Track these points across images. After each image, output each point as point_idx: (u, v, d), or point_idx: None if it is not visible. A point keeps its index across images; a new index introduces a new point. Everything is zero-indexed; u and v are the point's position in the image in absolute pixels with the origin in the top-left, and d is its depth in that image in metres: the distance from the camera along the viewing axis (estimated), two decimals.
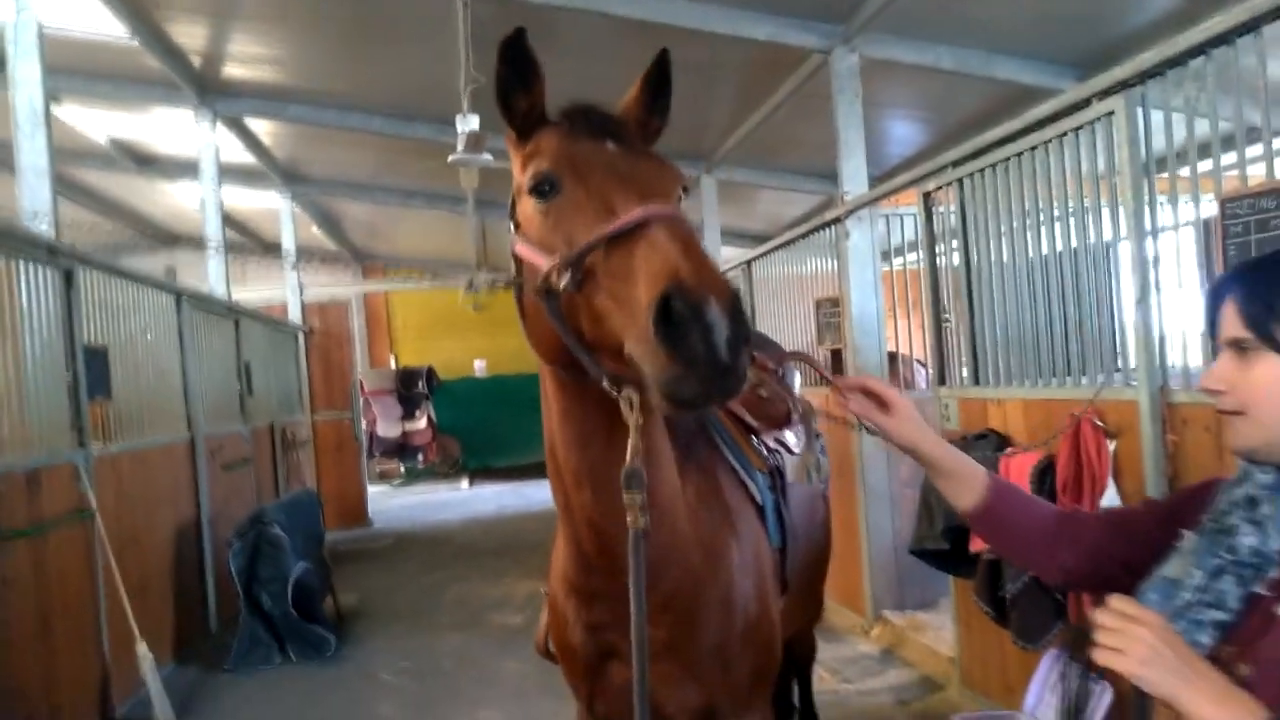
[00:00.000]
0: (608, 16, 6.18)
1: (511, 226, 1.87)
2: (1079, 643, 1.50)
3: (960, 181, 4.56)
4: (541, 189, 1.73)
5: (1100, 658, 1.32)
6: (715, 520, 2.25)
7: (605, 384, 1.65)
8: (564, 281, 1.60)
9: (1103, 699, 1.63)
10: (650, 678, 2.06)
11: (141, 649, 5.00)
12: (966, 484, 1.82)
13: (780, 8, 6.21)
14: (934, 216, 4.94)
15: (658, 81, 1.99)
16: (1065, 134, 3.81)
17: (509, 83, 1.84)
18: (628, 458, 1.64)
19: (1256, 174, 3.11)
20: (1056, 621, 3.78)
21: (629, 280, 1.50)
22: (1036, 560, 1.80)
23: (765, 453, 2.70)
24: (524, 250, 1.77)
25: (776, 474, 2.66)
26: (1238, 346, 1.43)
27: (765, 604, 2.33)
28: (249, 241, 15.82)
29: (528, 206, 1.78)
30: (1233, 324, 1.43)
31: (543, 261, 1.67)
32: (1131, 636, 1.28)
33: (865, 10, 5.96)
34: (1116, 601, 1.35)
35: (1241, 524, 1.39)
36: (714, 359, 1.37)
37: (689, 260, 1.43)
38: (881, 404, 1.86)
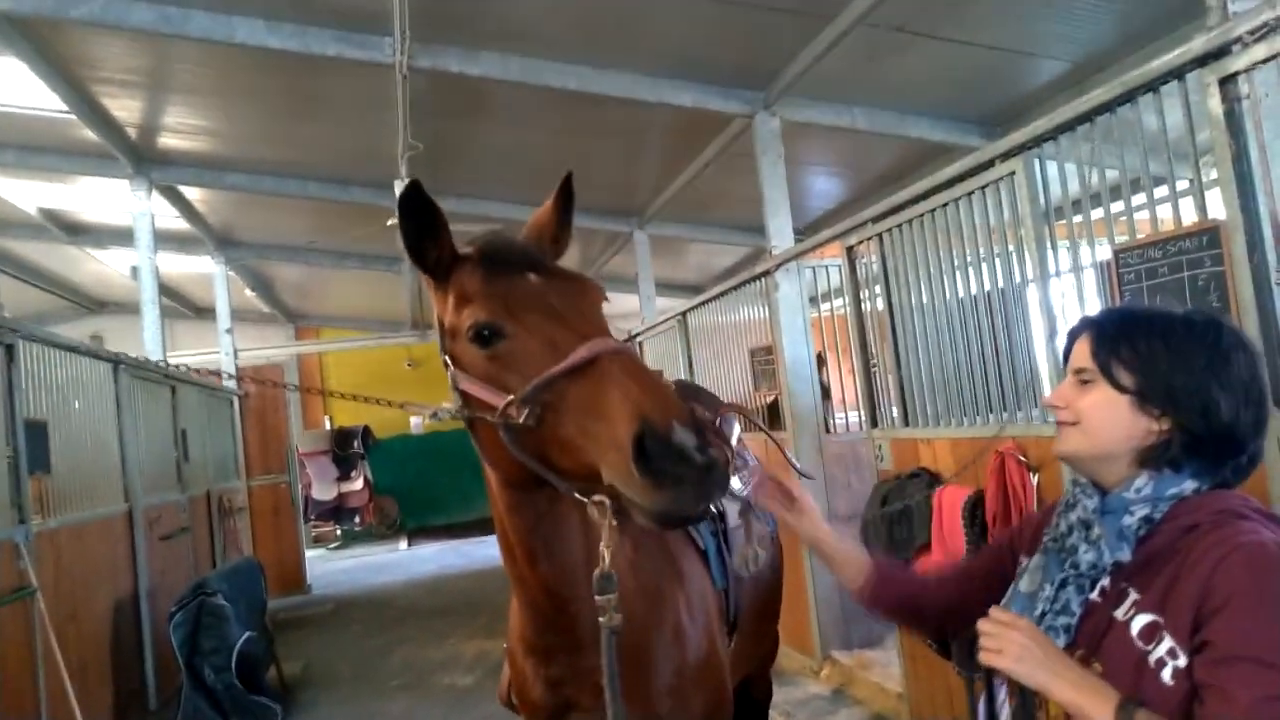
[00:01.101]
0: (542, 88, 6.39)
1: (447, 361, 1.96)
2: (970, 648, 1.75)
3: (880, 236, 4.83)
4: (482, 336, 1.84)
5: (983, 658, 1.60)
6: (658, 566, 2.36)
7: (576, 495, 1.80)
8: (523, 417, 1.75)
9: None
10: None
11: None
12: (852, 571, 2.11)
13: (703, 76, 6.51)
14: (857, 267, 5.20)
15: (565, 200, 2.12)
16: (973, 191, 4.11)
17: (416, 235, 1.93)
18: (605, 560, 1.81)
19: (1145, 218, 3.41)
20: None
21: (596, 417, 1.67)
22: (924, 626, 2.13)
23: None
24: (472, 389, 1.88)
25: (717, 518, 2.80)
26: (1080, 376, 1.70)
27: (713, 644, 2.44)
28: (178, 305, 15.64)
29: (469, 351, 1.88)
30: (1081, 357, 1.71)
31: (497, 400, 1.81)
32: (1007, 639, 1.57)
33: (784, 78, 6.29)
34: (995, 611, 1.64)
35: (1081, 544, 1.65)
36: (695, 472, 1.57)
37: (646, 393, 1.62)
38: (788, 498, 2.18)
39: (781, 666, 6.13)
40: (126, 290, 11.92)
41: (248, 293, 14.44)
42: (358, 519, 16.54)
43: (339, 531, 16.94)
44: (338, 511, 16.29)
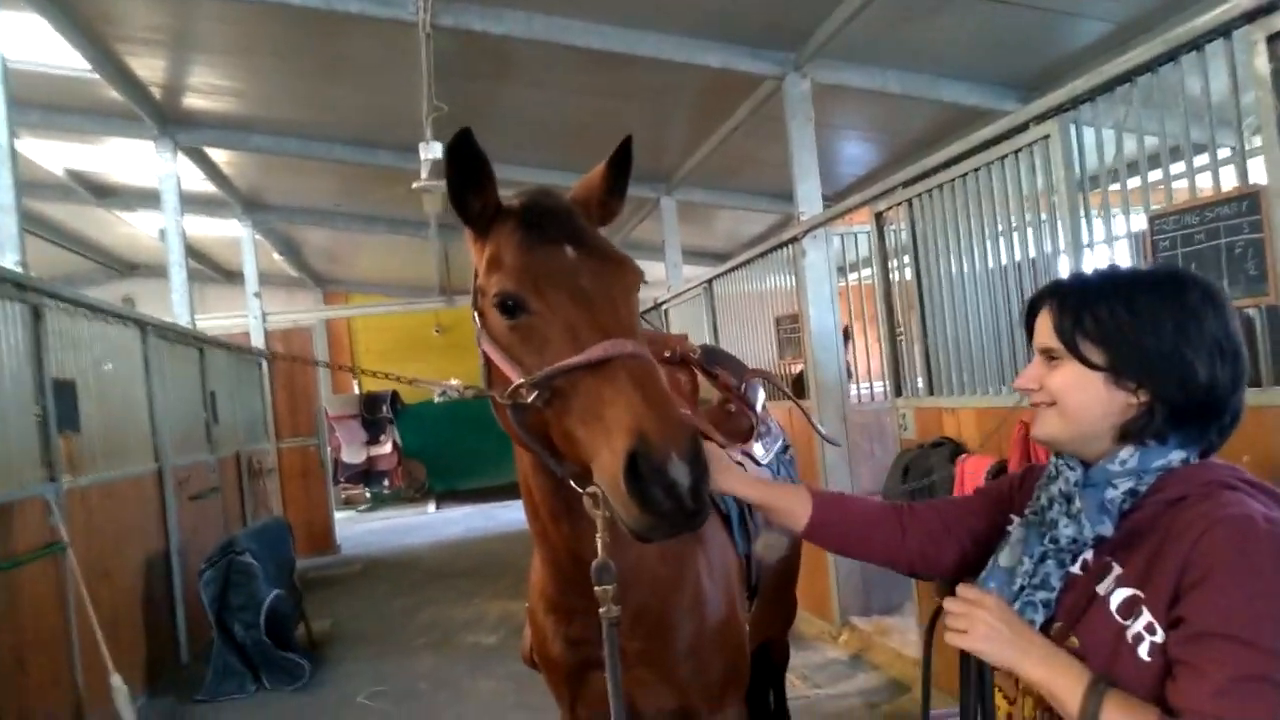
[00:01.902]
0: (566, 47, 6.32)
1: (476, 317, 1.94)
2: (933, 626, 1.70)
3: (910, 201, 4.75)
4: (506, 307, 1.82)
5: (949, 639, 1.54)
6: None
7: (571, 483, 1.81)
8: (531, 398, 1.76)
9: None
10: (626, 683, 2.18)
11: (116, 681, 5.01)
12: (797, 511, 1.92)
13: (733, 36, 6.40)
14: (885, 234, 5.13)
15: (621, 167, 2.04)
16: (1006, 155, 4.02)
17: (461, 185, 1.90)
18: (597, 550, 1.81)
19: (1183, 187, 3.31)
20: None
21: (597, 420, 1.66)
22: (887, 552, 1.92)
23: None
24: (492, 353, 1.88)
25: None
26: (1047, 355, 1.62)
27: (733, 608, 2.45)
28: (208, 269, 15.76)
29: (494, 318, 1.86)
30: (1045, 334, 1.62)
31: (511, 371, 1.81)
32: (973, 618, 1.52)
33: (816, 38, 6.17)
34: (962, 589, 1.57)
35: (1061, 518, 1.58)
36: (680, 508, 1.57)
37: (652, 410, 1.61)
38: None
39: (801, 631, 6.16)
40: (156, 253, 12.00)
41: (276, 256, 14.53)
42: (386, 482, 16.74)
43: (368, 494, 17.14)
44: (367, 474, 16.49)
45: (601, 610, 1.84)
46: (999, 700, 1.70)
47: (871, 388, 6.71)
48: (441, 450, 16.68)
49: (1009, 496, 1.85)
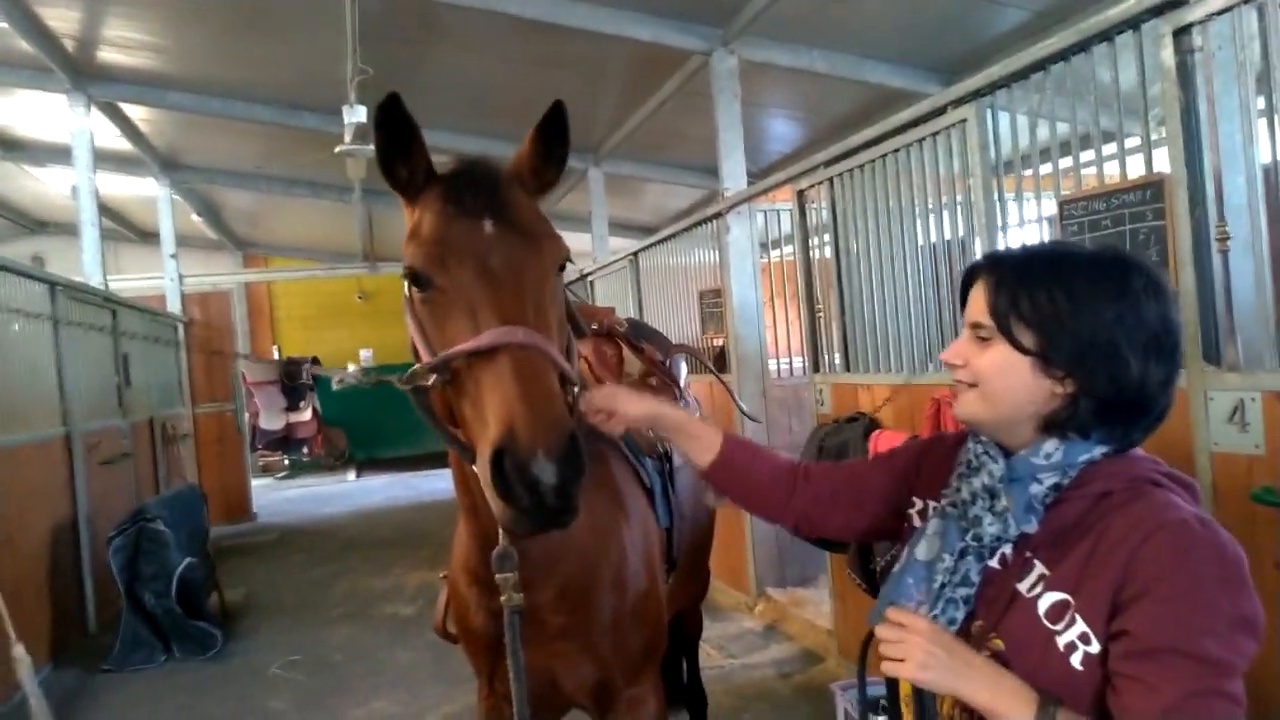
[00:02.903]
0: (496, 14, 6.25)
1: (406, 285, 1.88)
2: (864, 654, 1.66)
3: (831, 180, 4.83)
4: (416, 279, 1.81)
5: (885, 668, 1.47)
6: (606, 503, 2.36)
7: (471, 466, 1.79)
8: (431, 380, 1.78)
9: None
10: (547, 658, 2.23)
11: (18, 651, 4.84)
12: (705, 443, 1.95)
13: (662, 10, 6.40)
14: (807, 212, 5.20)
15: (552, 133, 1.96)
16: (924, 138, 4.10)
17: (389, 152, 1.86)
18: (499, 539, 1.84)
19: (1092, 173, 3.44)
20: None
21: (478, 409, 1.67)
22: (772, 507, 1.94)
23: (654, 438, 2.87)
24: (409, 324, 1.88)
25: (664, 458, 2.82)
26: (976, 330, 1.54)
27: (654, 581, 2.47)
28: (122, 229, 15.25)
29: (409, 289, 1.85)
30: (978, 309, 1.54)
31: (420, 348, 1.83)
32: (909, 645, 1.43)
33: (743, 15, 6.19)
34: (892, 612, 1.49)
35: (985, 514, 1.51)
36: (540, 506, 1.56)
37: (525, 405, 1.58)
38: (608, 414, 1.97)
39: (717, 602, 6.27)
40: (67, 211, 11.58)
41: (194, 218, 14.11)
42: (305, 450, 16.45)
43: (287, 461, 16.87)
44: (286, 442, 16.17)
45: (503, 598, 1.87)
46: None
47: (791, 363, 6.82)
48: (362, 418, 16.49)
49: (912, 466, 1.81)
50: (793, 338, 6.55)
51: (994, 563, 1.54)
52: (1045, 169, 3.61)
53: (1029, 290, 1.47)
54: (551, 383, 1.67)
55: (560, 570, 2.15)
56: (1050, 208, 3.61)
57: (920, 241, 4.28)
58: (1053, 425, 1.49)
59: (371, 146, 6.64)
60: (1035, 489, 1.48)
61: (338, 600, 7.46)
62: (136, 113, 9.84)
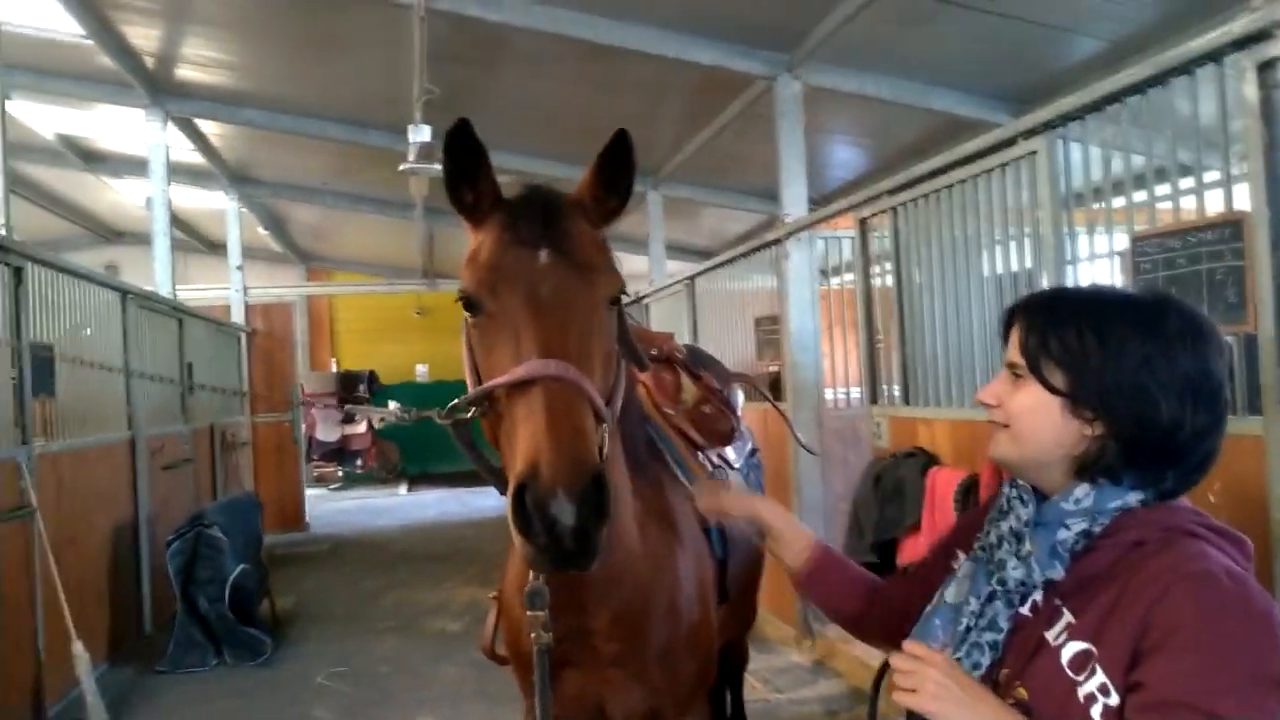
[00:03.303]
0: (561, 37, 6.31)
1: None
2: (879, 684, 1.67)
3: (895, 209, 4.78)
4: (468, 304, 1.83)
5: (897, 698, 1.45)
6: (663, 533, 2.34)
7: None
8: (470, 413, 1.82)
9: None
10: (598, 684, 2.23)
11: (77, 648, 4.98)
12: (797, 546, 1.98)
13: (727, 35, 6.40)
14: (869, 241, 5.15)
15: (615, 162, 1.94)
16: (993, 169, 4.04)
17: (456, 176, 1.87)
18: (529, 577, 1.86)
19: (1167, 209, 3.34)
20: None
21: (511, 440, 1.68)
22: (851, 620, 1.98)
23: (710, 468, 2.84)
24: (464, 351, 1.90)
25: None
26: (1012, 370, 1.55)
27: (707, 612, 2.44)
28: (192, 240, 15.66)
29: (464, 311, 1.87)
30: (1013, 349, 1.55)
31: (466, 372, 1.87)
32: (922, 676, 1.40)
33: (809, 40, 6.17)
34: (909, 645, 1.47)
35: (1010, 558, 1.50)
36: (557, 547, 1.54)
37: (551, 442, 1.57)
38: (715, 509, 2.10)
39: (764, 634, 6.18)
40: (141, 221, 11.92)
41: (260, 231, 14.44)
42: (360, 462, 16.67)
43: (341, 473, 17.07)
44: (340, 453, 16.42)
45: (532, 636, 1.87)
46: None
47: (849, 393, 6.74)
48: (416, 432, 16.63)
49: (971, 530, 1.73)
50: (850, 367, 6.48)
51: (1025, 610, 1.52)
52: (1118, 203, 3.53)
53: (1058, 329, 1.48)
54: (581, 419, 1.64)
55: (616, 596, 2.13)
56: (1122, 243, 3.53)
57: (985, 273, 4.21)
58: (1083, 468, 1.47)
59: (436, 165, 6.76)
60: (1063, 534, 1.46)
61: (386, 612, 7.51)
62: (210, 128, 10.12)
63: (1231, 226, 2.92)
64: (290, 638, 6.81)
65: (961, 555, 1.69)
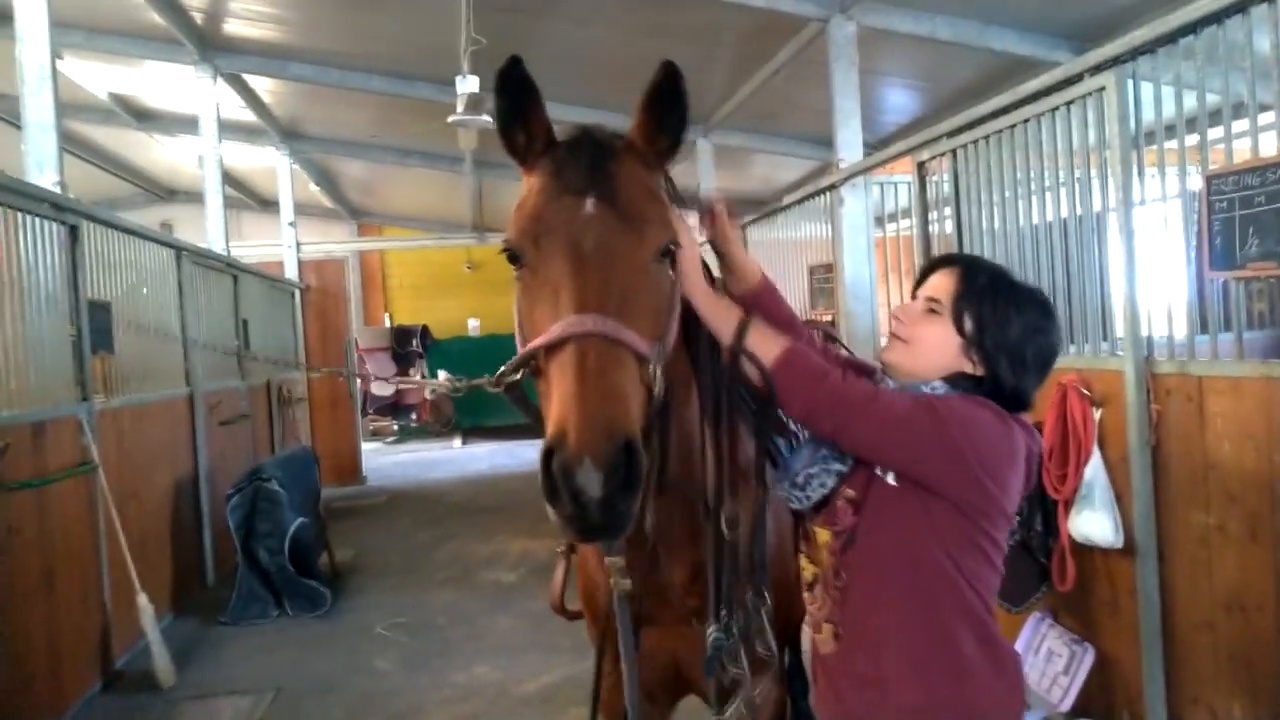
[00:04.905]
0: None
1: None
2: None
3: (954, 152, 4.62)
4: (512, 255, 1.77)
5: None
6: (740, 483, 2.24)
7: None
8: (518, 375, 1.77)
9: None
10: (674, 640, 2.21)
11: (142, 600, 5.11)
12: (747, 279, 2.17)
13: None
14: (928, 185, 5.00)
15: (663, 98, 1.84)
16: (1057, 108, 3.87)
17: (508, 115, 1.81)
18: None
19: (1242, 148, 3.18)
20: (1041, 585, 3.89)
21: (547, 402, 1.63)
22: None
23: (784, 416, 2.76)
24: (514, 306, 1.84)
25: (795, 437, 2.72)
26: (931, 305, 1.97)
27: (786, 562, 2.36)
28: (245, 197, 15.80)
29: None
30: (942, 290, 1.97)
31: (516, 325, 1.81)
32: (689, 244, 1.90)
33: None
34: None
35: None
36: (583, 518, 1.47)
37: (581, 405, 1.49)
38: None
39: None
40: (194, 179, 12.04)
41: (312, 187, 14.52)
42: (414, 416, 16.86)
43: (396, 427, 17.30)
44: (395, 407, 16.61)
45: (611, 581, 1.84)
46: (804, 562, 2.09)
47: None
48: None
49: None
50: None
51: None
52: (1191, 139, 3.36)
53: (993, 300, 1.92)
54: (617, 378, 1.56)
55: (695, 550, 2.08)
56: (1195, 183, 3.37)
57: (1050, 217, 4.05)
58: (951, 380, 1.94)
59: (484, 116, 6.65)
60: None
61: (442, 564, 7.60)
62: (260, 84, 10.14)
63: None
64: (349, 589, 6.93)
65: None
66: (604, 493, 1.45)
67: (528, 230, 1.73)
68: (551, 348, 1.61)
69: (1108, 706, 3.74)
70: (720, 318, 1.95)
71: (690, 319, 1.97)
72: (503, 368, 1.78)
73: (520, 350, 1.71)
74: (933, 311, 1.96)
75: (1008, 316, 1.91)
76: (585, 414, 1.48)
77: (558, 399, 1.54)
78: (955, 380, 1.94)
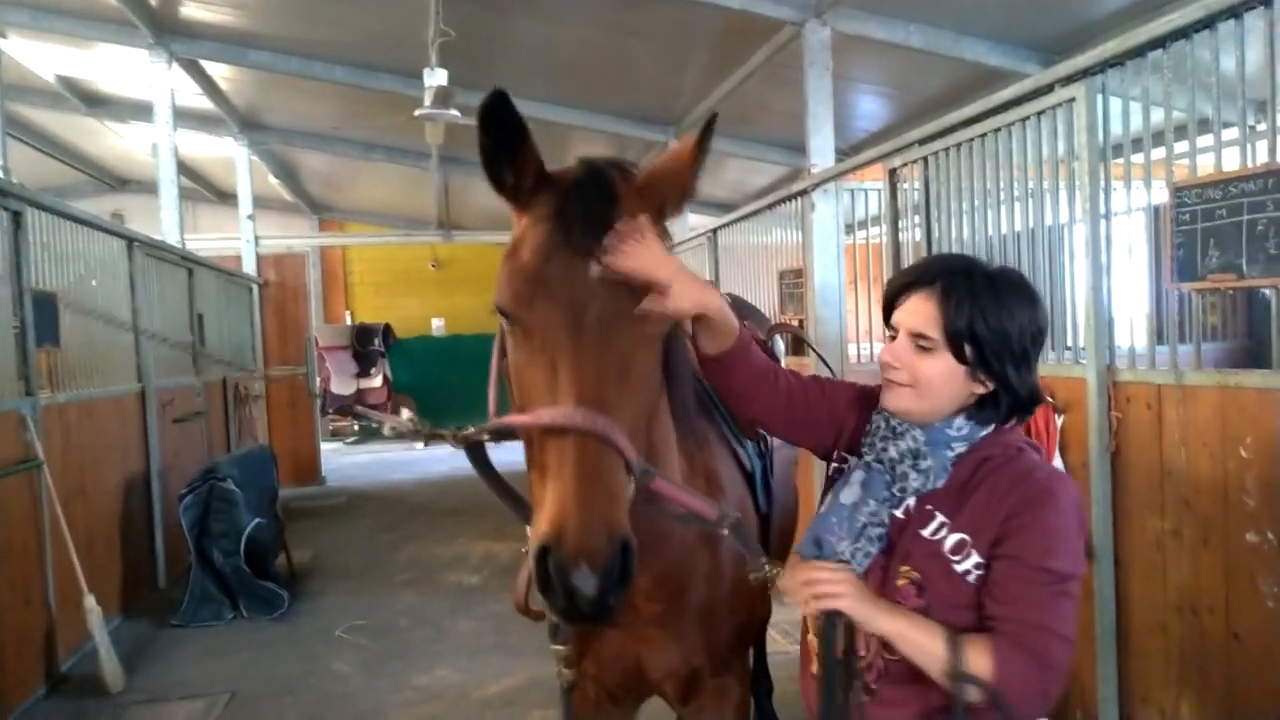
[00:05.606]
0: None
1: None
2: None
3: (925, 159, 4.62)
4: (502, 311, 1.70)
5: (821, 604, 1.72)
6: (707, 490, 2.27)
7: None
8: (485, 439, 1.82)
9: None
10: (637, 644, 2.22)
11: (89, 602, 4.96)
12: (722, 335, 1.89)
13: None
14: (898, 192, 4.99)
15: (703, 151, 1.77)
16: (1028, 118, 3.89)
17: (494, 154, 1.69)
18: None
19: (1206, 164, 3.22)
20: None
21: (539, 484, 1.61)
22: (765, 413, 2.06)
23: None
24: (495, 350, 1.83)
25: (763, 441, 2.71)
26: (919, 342, 1.79)
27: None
28: (201, 188, 15.50)
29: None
30: (925, 321, 1.79)
31: (492, 380, 1.81)
32: (841, 584, 1.71)
33: None
34: (805, 569, 1.77)
35: (910, 471, 1.82)
36: (575, 611, 1.50)
37: (579, 508, 1.48)
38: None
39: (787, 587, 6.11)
40: (148, 169, 11.76)
41: (271, 179, 14.27)
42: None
43: (356, 427, 17.08)
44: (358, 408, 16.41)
45: (556, 672, 1.91)
46: (812, 638, 1.92)
47: (872, 349, 6.61)
48: (432, 386, 16.59)
49: (851, 411, 2.02)
50: (874, 322, 6.34)
51: (899, 513, 1.84)
52: (1157, 153, 3.38)
53: (983, 314, 1.76)
54: (612, 480, 1.55)
55: (659, 556, 2.06)
56: (1160, 195, 3.39)
57: (1018, 227, 4.06)
58: (969, 411, 1.82)
59: (452, 111, 6.55)
60: (948, 453, 1.82)
61: (403, 566, 7.49)
62: (217, 70, 9.89)
63: (1274, 176, 2.87)
64: (307, 591, 6.80)
65: (852, 460, 1.95)
66: (597, 594, 1.47)
67: (523, 294, 1.64)
68: (548, 431, 1.57)
69: (1061, 706, 3.76)
70: (916, 627, 1.70)
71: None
72: (470, 430, 1.80)
73: (512, 417, 1.69)
74: (924, 349, 1.79)
75: (1002, 327, 1.76)
76: (584, 517, 1.48)
77: (555, 496, 1.51)
78: (973, 413, 1.81)
